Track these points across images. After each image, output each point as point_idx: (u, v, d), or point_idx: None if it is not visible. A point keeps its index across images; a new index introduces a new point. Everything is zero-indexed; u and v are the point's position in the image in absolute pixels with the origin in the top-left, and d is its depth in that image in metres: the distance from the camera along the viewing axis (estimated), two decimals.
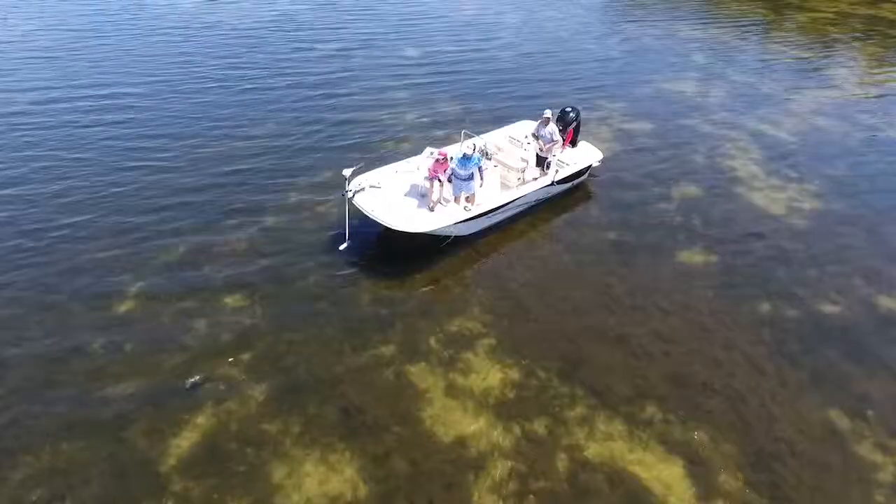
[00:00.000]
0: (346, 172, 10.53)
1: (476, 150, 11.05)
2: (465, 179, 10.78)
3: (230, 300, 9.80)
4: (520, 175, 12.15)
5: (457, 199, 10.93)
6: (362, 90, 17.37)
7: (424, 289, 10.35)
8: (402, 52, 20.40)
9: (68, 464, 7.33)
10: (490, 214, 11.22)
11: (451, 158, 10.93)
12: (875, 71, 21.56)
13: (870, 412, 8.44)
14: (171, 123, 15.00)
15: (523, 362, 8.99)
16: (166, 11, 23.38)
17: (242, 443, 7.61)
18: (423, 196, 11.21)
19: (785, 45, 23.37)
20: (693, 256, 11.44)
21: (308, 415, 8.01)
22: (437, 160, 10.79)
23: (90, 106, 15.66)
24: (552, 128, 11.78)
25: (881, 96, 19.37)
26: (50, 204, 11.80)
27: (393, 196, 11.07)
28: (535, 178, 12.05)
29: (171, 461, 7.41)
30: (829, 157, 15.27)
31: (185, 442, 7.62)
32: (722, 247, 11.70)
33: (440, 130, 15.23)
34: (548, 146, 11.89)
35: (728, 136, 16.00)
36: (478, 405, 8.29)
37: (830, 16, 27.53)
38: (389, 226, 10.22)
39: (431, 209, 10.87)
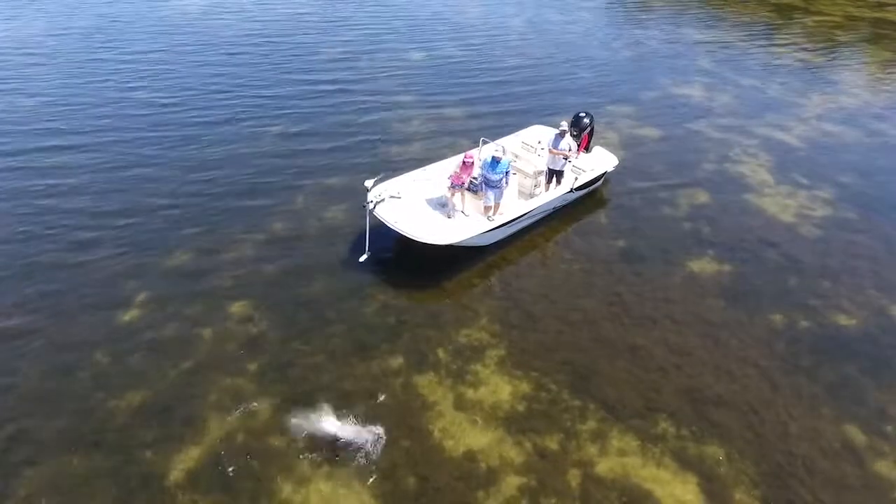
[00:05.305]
0: (368, 183, 10.35)
1: (505, 153, 10.77)
2: (494, 185, 10.58)
3: (236, 308, 9.68)
4: (536, 182, 12.00)
5: (486, 209, 10.74)
6: (367, 94, 17.26)
7: (432, 298, 10.22)
8: (407, 56, 20.30)
9: (73, 478, 7.21)
10: (512, 223, 11.07)
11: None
12: (883, 75, 21.41)
13: (888, 428, 8.29)
14: (175, 128, 14.90)
15: (533, 374, 8.85)
16: (171, 14, 23.30)
17: (249, 457, 7.47)
18: (443, 206, 11.04)
19: (792, 50, 23.22)
20: (704, 265, 11.29)
21: (315, 428, 7.87)
22: (464, 163, 10.63)
23: (91, 109, 15.57)
24: (568, 141, 11.58)
25: (891, 100, 19.20)
26: (52, 210, 11.70)
27: (414, 206, 10.92)
28: (554, 185, 11.91)
29: (177, 475, 7.28)
30: (839, 163, 15.11)
31: (191, 455, 7.49)
32: (733, 255, 11.56)
33: (447, 136, 15.12)
34: (567, 154, 11.68)
35: (737, 142, 15.86)
36: (488, 418, 8.15)
37: (838, 19, 27.38)
38: (416, 239, 10.00)
39: (455, 219, 10.72)
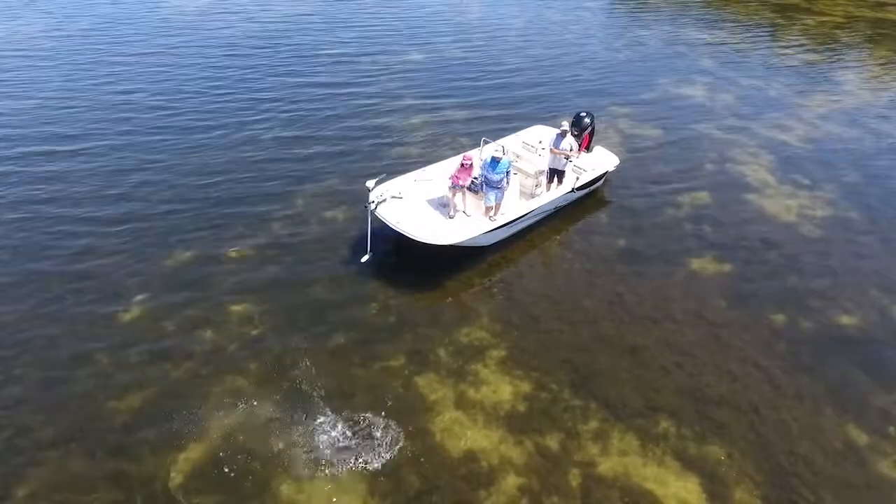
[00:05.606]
0: (370, 183, 10.35)
1: (506, 153, 10.75)
2: (495, 186, 10.56)
3: (237, 308, 9.67)
4: (537, 182, 11.99)
5: (487, 209, 10.73)
6: (368, 95, 17.26)
7: (433, 298, 10.21)
8: (408, 57, 20.29)
9: (73, 479, 7.20)
10: (514, 223, 11.06)
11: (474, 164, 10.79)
12: (884, 74, 21.37)
13: (890, 428, 8.27)
14: (176, 128, 14.91)
15: (534, 374, 8.84)
16: (172, 14, 23.32)
17: (250, 457, 7.47)
18: (445, 206, 11.04)
19: (793, 49, 23.20)
20: (705, 265, 11.27)
21: (316, 427, 7.87)
22: (463, 165, 10.63)
23: (92, 109, 15.58)
24: (570, 141, 11.56)
25: (892, 100, 19.18)
26: (52, 210, 11.71)
27: (415, 206, 10.92)
28: (556, 185, 11.90)
29: (178, 475, 7.27)
30: (840, 163, 15.09)
31: (192, 456, 7.48)
32: (734, 255, 11.54)
33: (448, 136, 15.13)
34: (568, 153, 11.66)
35: (738, 142, 15.84)
36: (489, 418, 8.14)
37: (838, 19, 27.36)
38: (418, 239, 9.99)
39: (456, 219, 10.72)
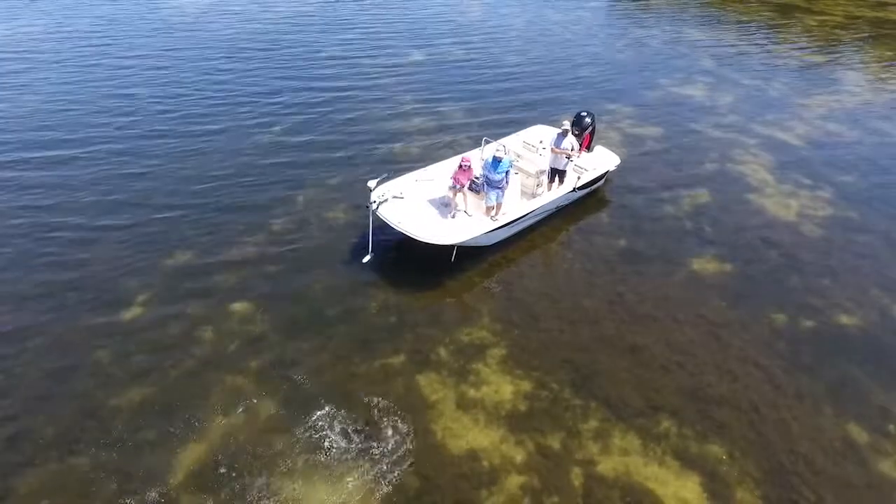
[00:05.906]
0: (371, 183, 10.37)
1: (507, 153, 10.73)
2: (496, 186, 10.56)
3: (238, 308, 9.68)
4: (538, 181, 11.99)
5: (489, 209, 10.73)
6: (369, 95, 17.29)
7: (433, 297, 10.21)
8: (409, 57, 20.31)
9: (74, 477, 7.21)
10: (515, 223, 11.06)
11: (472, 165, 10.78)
12: (885, 74, 21.37)
13: (891, 426, 8.27)
14: (177, 128, 14.92)
15: (535, 373, 8.84)
16: (172, 15, 23.34)
17: (250, 457, 7.47)
18: (446, 205, 11.06)
19: (793, 49, 23.21)
20: (705, 265, 11.27)
21: (317, 427, 7.88)
22: (461, 167, 10.64)
23: (92, 112, 15.58)
24: (571, 140, 11.56)
25: (892, 99, 19.18)
26: (54, 209, 11.72)
27: (417, 206, 10.93)
28: (557, 185, 11.90)
29: (178, 475, 7.28)
30: (841, 163, 15.08)
31: (192, 455, 7.49)
32: (734, 255, 11.54)
33: (449, 136, 15.14)
34: (569, 153, 11.67)
35: (738, 142, 15.84)
36: (490, 417, 8.14)
37: (839, 19, 27.36)
38: (420, 239, 10.01)
39: (458, 219, 10.73)
